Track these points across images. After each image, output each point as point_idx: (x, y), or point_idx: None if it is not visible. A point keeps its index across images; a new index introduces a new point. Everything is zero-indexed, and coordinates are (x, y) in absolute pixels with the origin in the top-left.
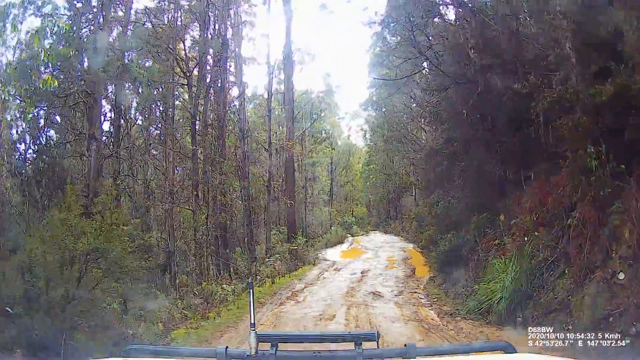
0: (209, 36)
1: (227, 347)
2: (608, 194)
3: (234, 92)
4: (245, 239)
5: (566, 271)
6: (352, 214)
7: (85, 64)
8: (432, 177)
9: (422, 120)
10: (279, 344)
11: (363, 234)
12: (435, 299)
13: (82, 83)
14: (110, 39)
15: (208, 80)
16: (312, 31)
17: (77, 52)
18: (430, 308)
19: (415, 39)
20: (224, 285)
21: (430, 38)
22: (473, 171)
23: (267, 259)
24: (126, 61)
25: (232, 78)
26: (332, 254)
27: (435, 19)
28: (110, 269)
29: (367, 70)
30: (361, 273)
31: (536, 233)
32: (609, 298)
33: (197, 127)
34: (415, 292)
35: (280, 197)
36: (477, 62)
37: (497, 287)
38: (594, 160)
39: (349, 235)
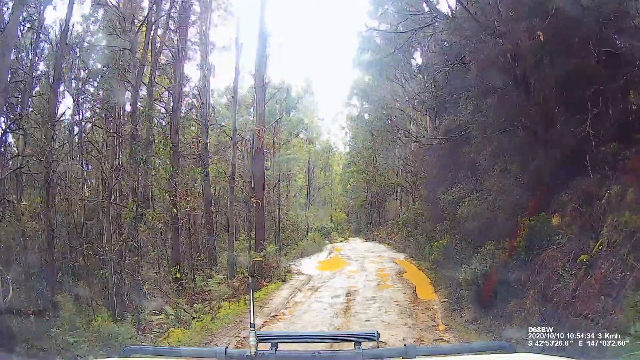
0: None
1: (226, 347)
2: None
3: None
4: (207, 247)
5: None
6: (330, 219)
7: None
8: (441, 166)
9: (420, 106)
10: (278, 344)
11: (342, 241)
12: None
13: None
14: None
15: (158, 45)
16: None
17: None
18: None
19: None
20: (164, 307)
21: None
22: (516, 153)
23: (209, 279)
24: None
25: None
26: (309, 265)
27: None
28: None
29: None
30: (346, 295)
31: None
32: None
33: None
34: (442, 340)
35: (247, 197)
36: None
37: None
38: None
39: (327, 242)
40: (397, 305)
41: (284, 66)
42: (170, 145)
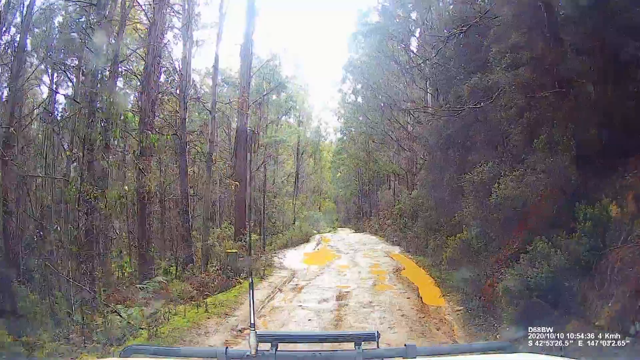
0: None
1: (227, 347)
2: None
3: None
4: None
5: None
6: (319, 208)
7: None
8: (449, 146)
9: (423, 82)
10: (279, 344)
11: (331, 231)
12: None
13: None
14: None
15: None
16: None
17: None
18: None
19: None
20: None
21: None
22: (565, 121)
23: (145, 282)
24: None
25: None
26: (294, 257)
27: None
28: None
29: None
30: (337, 299)
31: None
32: None
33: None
34: None
35: (225, 179)
36: None
37: None
38: None
39: (315, 232)
40: (402, 316)
41: (275, 47)
42: (126, 111)
